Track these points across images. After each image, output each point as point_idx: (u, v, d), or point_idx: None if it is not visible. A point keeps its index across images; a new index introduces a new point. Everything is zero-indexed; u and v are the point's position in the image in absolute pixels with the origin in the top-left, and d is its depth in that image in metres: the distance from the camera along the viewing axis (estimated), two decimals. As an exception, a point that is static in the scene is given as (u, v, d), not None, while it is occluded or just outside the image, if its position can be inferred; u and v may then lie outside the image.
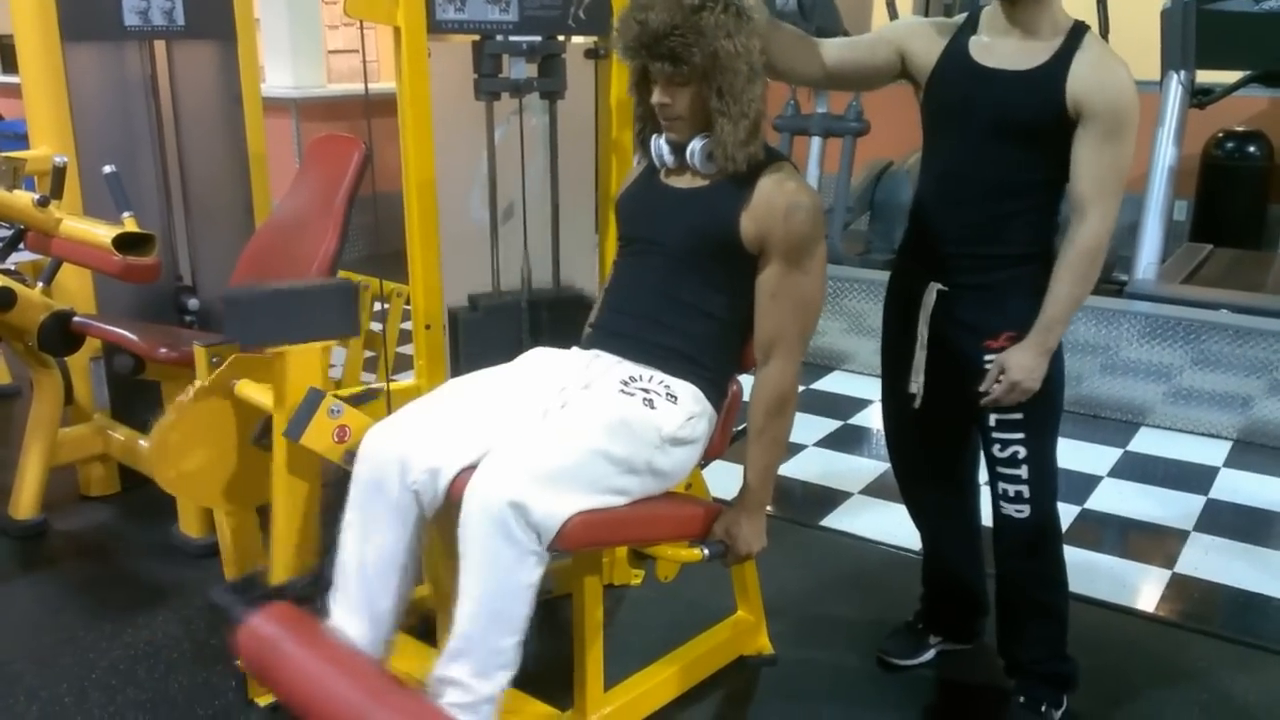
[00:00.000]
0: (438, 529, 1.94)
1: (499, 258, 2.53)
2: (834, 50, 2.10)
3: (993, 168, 1.99)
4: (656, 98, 1.92)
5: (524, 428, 1.86)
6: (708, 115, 1.91)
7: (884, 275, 2.31)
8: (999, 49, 1.97)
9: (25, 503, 3.01)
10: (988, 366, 2.02)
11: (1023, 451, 2.07)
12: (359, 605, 1.88)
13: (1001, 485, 2.12)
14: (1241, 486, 3.47)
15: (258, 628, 1.87)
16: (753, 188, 1.93)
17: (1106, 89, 1.88)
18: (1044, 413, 2.07)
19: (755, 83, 1.88)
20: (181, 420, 2.22)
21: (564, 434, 1.82)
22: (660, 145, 2.01)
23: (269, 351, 2.01)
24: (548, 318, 2.53)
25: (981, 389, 2.01)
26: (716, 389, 2.03)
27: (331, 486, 2.09)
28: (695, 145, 1.95)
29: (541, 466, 1.74)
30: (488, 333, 2.48)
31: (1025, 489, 2.09)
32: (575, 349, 2.10)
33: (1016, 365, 1.97)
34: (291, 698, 1.81)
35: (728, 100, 1.87)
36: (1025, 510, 2.11)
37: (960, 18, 2.06)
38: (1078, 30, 1.93)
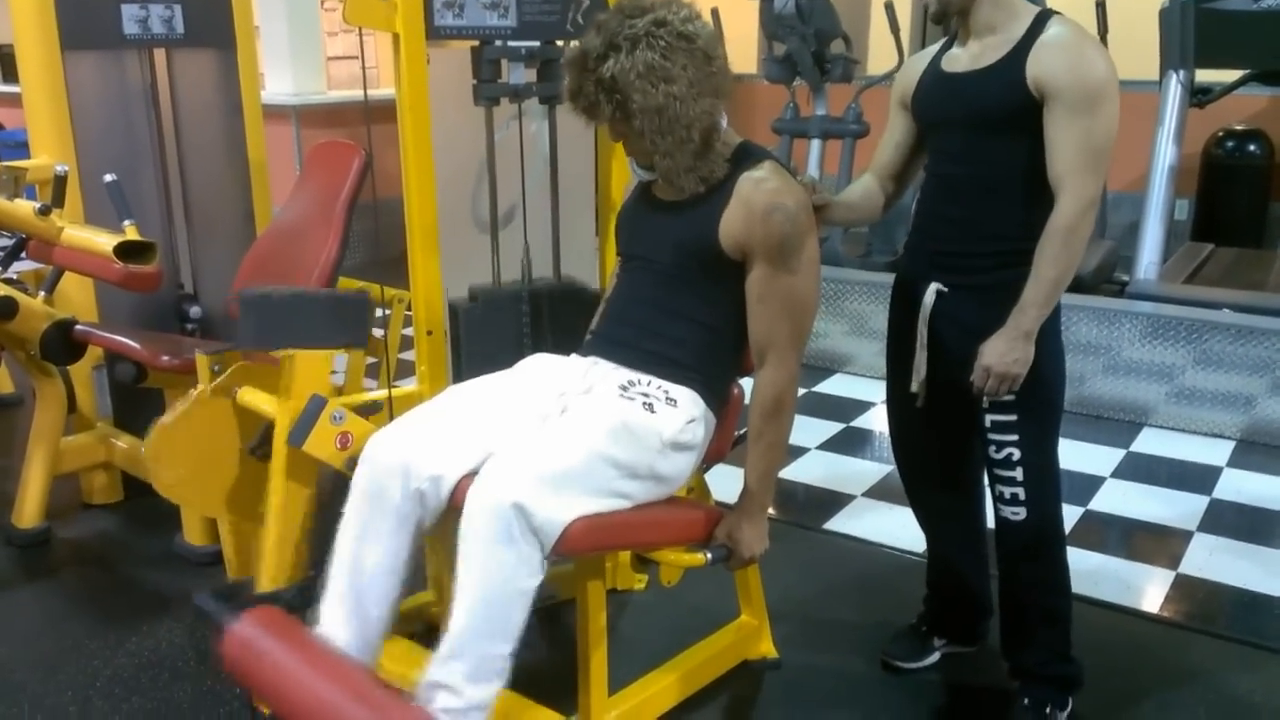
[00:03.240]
0: (441, 536, 1.93)
1: (499, 256, 2.52)
2: (884, 163, 2.24)
3: (976, 165, 2.02)
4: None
5: (525, 432, 1.86)
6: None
7: (884, 277, 2.33)
8: (965, 56, 2.03)
9: (28, 511, 3.01)
10: None
11: (1017, 453, 2.07)
12: (350, 610, 1.86)
13: (998, 487, 2.12)
14: (1245, 486, 3.47)
15: (242, 631, 1.84)
16: (732, 192, 1.93)
17: (1065, 65, 1.88)
18: (1039, 413, 2.07)
19: (691, 105, 1.85)
20: (180, 425, 2.22)
21: (567, 438, 1.82)
22: (633, 162, 2.03)
23: (279, 354, 2.02)
24: (548, 310, 2.51)
25: (971, 380, 2.02)
26: (714, 394, 2.03)
27: (328, 502, 2.09)
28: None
29: (545, 469, 1.74)
30: (488, 325, 2.46)
31: (1021, 491, 2.09)
32: (574, 356, 2.10)
33: (989, 350, 1.97)
34: (275, 701, 1.78)
35: (654, 139, 1.87)
36: (1022, 512, 2.10)
37: (942, 41, 2.13)
38: (1041, 18, 1.95)
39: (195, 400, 2.24)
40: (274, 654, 1.78)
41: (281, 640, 1.81)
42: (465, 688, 1.73)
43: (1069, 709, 2.22)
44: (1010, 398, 2.02)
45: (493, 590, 1.71)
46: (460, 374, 2.44)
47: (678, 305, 2.00)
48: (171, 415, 2.25)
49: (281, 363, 2.04)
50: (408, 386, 2.36)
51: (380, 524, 1.84)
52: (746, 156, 1.96)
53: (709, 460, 2.11)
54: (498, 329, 2.47)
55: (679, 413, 1.94)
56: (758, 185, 1.91)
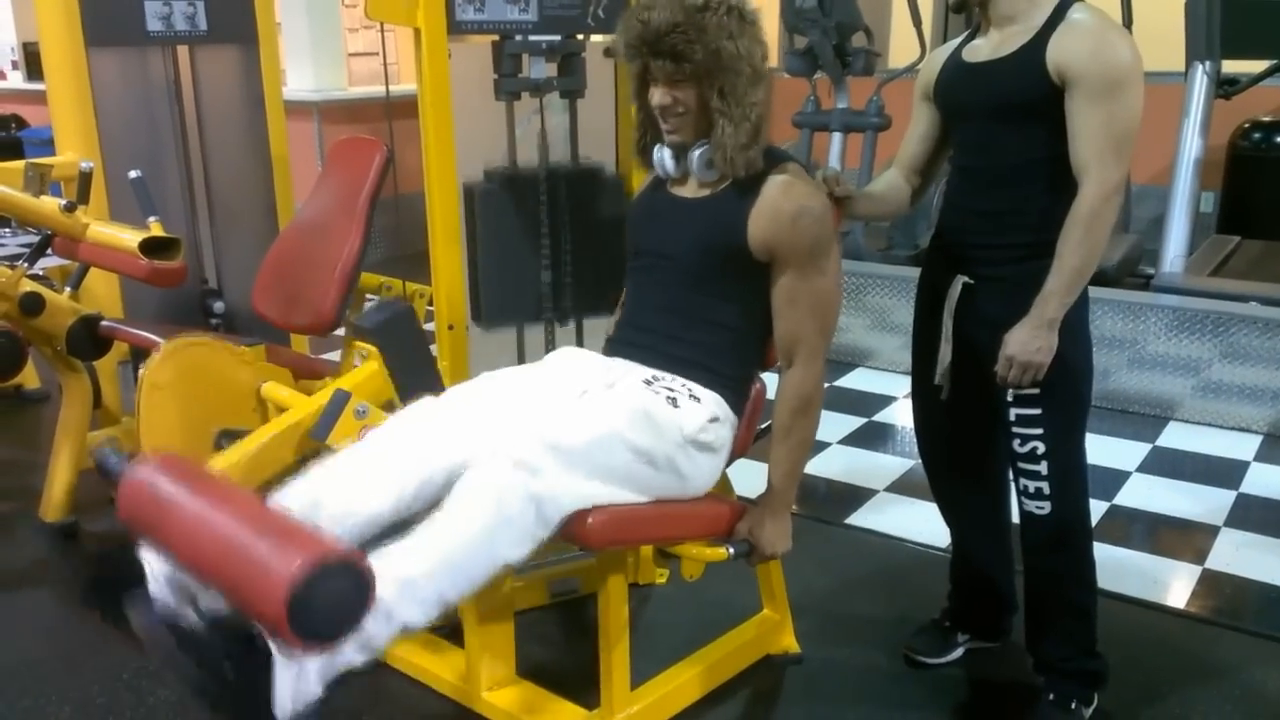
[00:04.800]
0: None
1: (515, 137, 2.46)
2: (909, 156, 2.22)
3: (998, 154, 2.01)
4: (657, 99, 1.92)
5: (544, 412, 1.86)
6: (709, 116, 1.90)
7: (906, 271, 2.32)
8: (986, 46, 2.02)
9: (55, 505, 3.04)
10: None
11: (1042, 447, 2.05)
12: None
13: (1022, 481, 2.11)
14: (1272, 481, 3.43)
15: (140, 474, 1.69)
16: (759, 194, 1.92)
17: (1086, 50, 1.87)
18: (1065, 407, 2.05)
19: (757, 86, 1.88)
20: (147, 405, 2.20)
21: (584, 416, 1.82)
22: (662, 155, 2.01)
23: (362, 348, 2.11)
24: (566, 191, 2.46)
25: (994, 370, 2.00)
26: (736, 394, 2.03)
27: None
28: (694, 153, 1.95)
29: (556, 439, 1.73)
30: (504, 206, 2.40)
31: (1045, 485, 2.07)
32: (596, 355, 2.10)
33: (1012, 339, 1.96)
34: (171, 544, 1.64)
35: (729, 101, 1.87)
36: (1046, 507, 2.09)
37: (965, 33, 2.13)
38: (1063, 5, 1.94)
39: (144, 386, 2.21)
40: (172, 494, 1.62)
41: (183, 480, 1.65)
42: (391, 591, 1.59)
43: (1094, 705, 2.21)
44: (1035, 391, 2.00)
45: (469, 551, 1.65)
46: (475, 259, 2.41)
47: (696, 307, 1.99)
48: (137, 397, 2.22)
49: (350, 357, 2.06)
50: (430, 381, 2.36)
51: (378, 487, 1.77)
52: (772, 159, 1.96)
53: (731, 455, 2.11)
54: (514, 210, 2.40)
55: (702, 409, 1.94)
56: (786, 190, 1.91)
